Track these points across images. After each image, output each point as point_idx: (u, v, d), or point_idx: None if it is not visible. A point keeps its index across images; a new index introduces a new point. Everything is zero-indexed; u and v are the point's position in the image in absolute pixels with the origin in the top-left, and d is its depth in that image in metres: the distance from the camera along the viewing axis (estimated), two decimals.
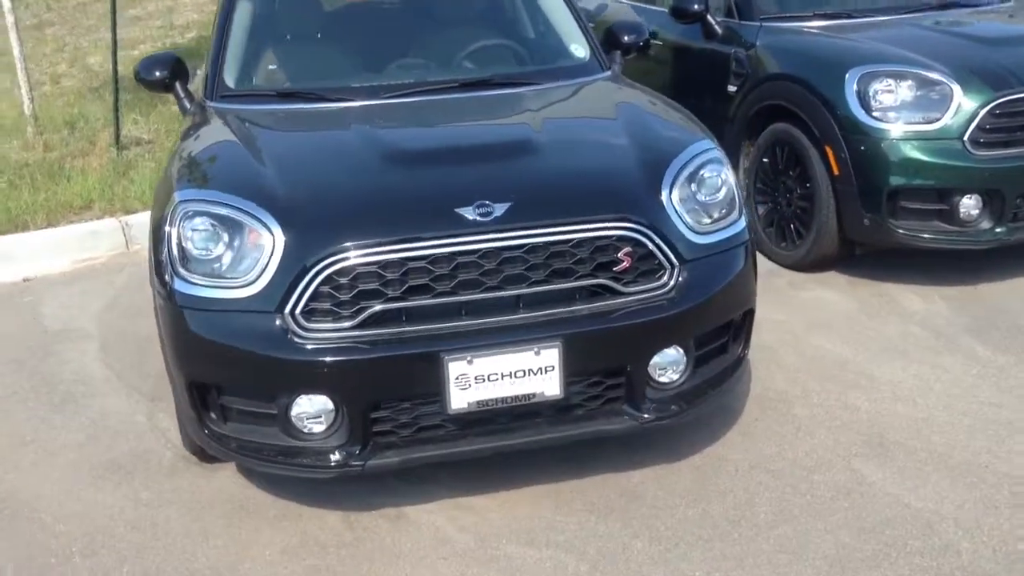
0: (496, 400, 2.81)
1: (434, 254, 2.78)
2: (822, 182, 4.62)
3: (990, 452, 3.25)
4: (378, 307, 2.76)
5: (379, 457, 2.85)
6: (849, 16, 5.24)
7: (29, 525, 3.11)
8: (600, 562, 2.82)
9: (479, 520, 3.03)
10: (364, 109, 3.52)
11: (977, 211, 4.40)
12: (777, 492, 3.10)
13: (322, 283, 2.75)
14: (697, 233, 3.03)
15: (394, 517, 3.07)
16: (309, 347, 2.75)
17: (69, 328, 4.66)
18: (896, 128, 4.37)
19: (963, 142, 4.32)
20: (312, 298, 2.76)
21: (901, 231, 4.44)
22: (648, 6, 6.25)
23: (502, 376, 2.78)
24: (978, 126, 4.30)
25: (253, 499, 3.18)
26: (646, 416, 3.00)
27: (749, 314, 3.22)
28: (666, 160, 3.10)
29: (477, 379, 2.77)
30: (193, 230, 2.87)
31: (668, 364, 3.04)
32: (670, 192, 3.03)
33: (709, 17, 5.41)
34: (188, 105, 3.90)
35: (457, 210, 2.83)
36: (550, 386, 2.83)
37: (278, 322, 2.76)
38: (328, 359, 2.74)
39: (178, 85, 3.94)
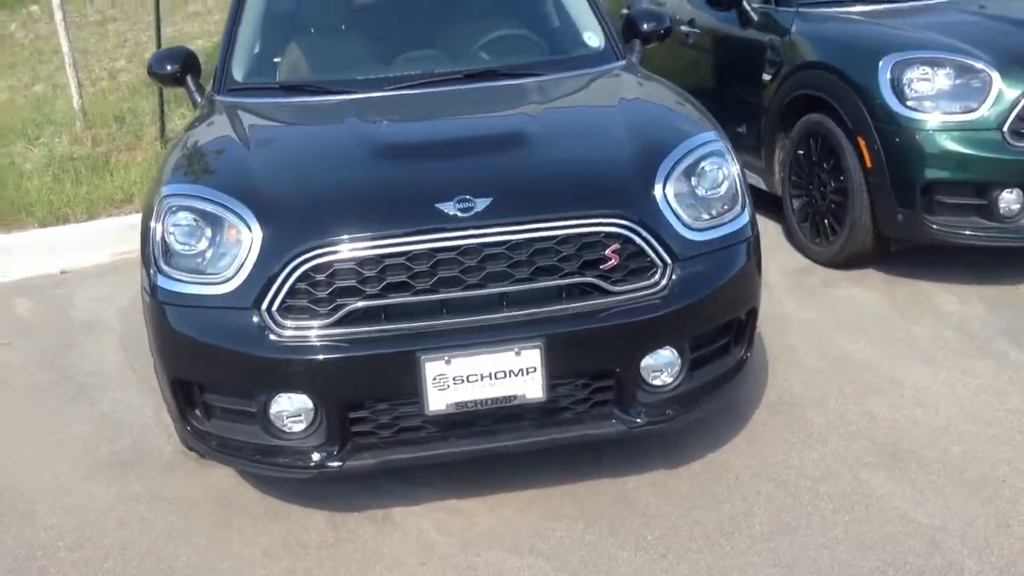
0: (475, 402, 2.72)
1: (412, 251, 2.71)
2: (855, 175, 4.42)
3: (1011, 465, 3.05)
4: (355, 304, 2.70)
5: (357, 458, 2.79)
6: (891, 1, 5.00)
7: (22, 517, 3.13)
8: (581, 572, 2.72)
9: (465, 524, 2.96)
10: (364, 102, 3.47)
11: (1018, 206, 4.16)
12: (777, 502, 2.96)
13: (298, 280, 2.70)
14: (693, 230, 2.90)
15: (380, 519, 3.01)
16: (286, 344, 2.70)
17: (95, 321, 4.72)
18: (931, 118, 4.16)
19: (1003, 133, 4.09)
20: (289, 295, 2.71)
21: (936, 227, 4.23)
22: None
23: (481, 377, 2.70)
24: (1019, 116, 4.07)
25: (243, 498, 3.15)
26: (637, 421, 2.89)
27: (751, 314, 3.07)
28: (662, 153, 2.98)
29: (456, 380, 2.69)
30: (176, 225, 2.85)
31: (662, 366, 2.92)
32: (664, 186, 2.90)
33: (745, 3, 5.23)
34: (199, 99, 3.89)
35: (437, 205, 2.75)
36: (532, 388, 2.73)
37: (255, 319, 2.72)
38: (303, 357, 2.69)
39: (189, 79, 3.94)
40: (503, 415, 2.82)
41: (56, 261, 5.55)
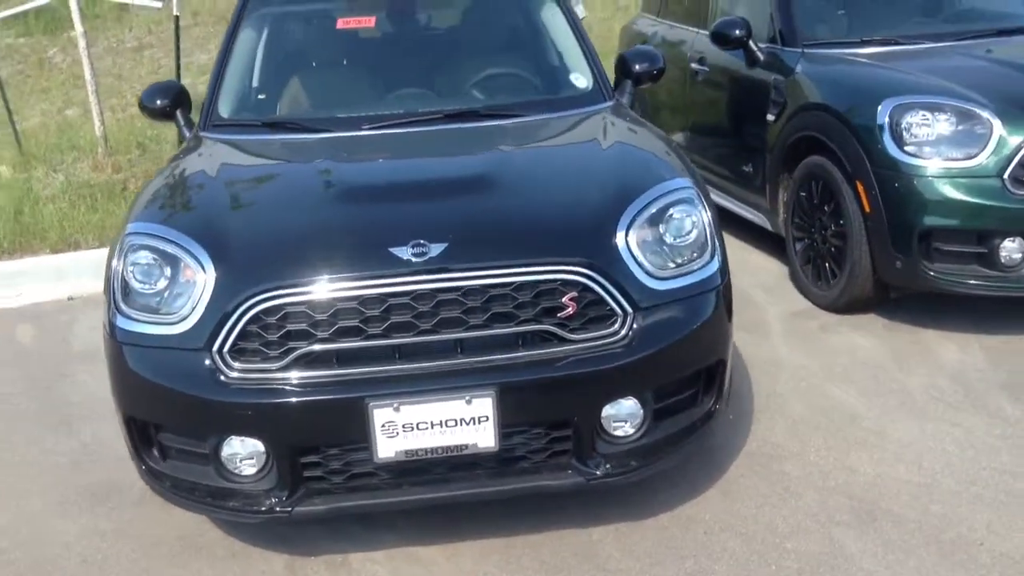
0: (426, 450, 2.68)
1: (364, 295, 2.68)
2: (855, 220, 4.33)
3: (990, 528, 2.94)
4: (306, 348, 2.68)
5: (307, 504, 2.75)
6: (897, 43, 4.91)
7: None
8: None
9: (422, 573, 2.91)
10: (338, 141, 3.46)
11: (1020, 255, 4.04)
12: (741, 559, 2.87)
13: (249, 322, 2.68)
14: (656, 278, 2.84)
15: (337, 564, 2.96)
16: (236, 387, 2.68)
17: (90, 350, 4.72)
18: (930, 164, 4.06)
19: (1003, 180, 3.98)
20: (240, 337, 2.69)
21: (935, 275, 4.12)
22: (700, 31, 6.01)
23: (432, 425, 2.65)
24: (1020, 163, 3.96)
25: (206, 538, 3.13)
26: (596, 472, 2.82)
27: (720, 365, 2.99)
28: (627, 200, 2.92)
29: (405, 427, 2.65)
30: (135, 264, 2.85)
31: (624, 417, 2.85)
32: (627, 234, 2.85)
33: (751, 43, 5.17)
34: (187, 133, 3.91)
35: (391, 250, 2.72)
36: (484, 437, 2.68)
37: (207, 361, 2.70)
38: (253, 400, 2.66)
39: (179, 113, 3.95)
40: (457, 463, 2.77)
41: (64, 287, 5.61)
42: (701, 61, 5.86)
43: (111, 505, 3.34)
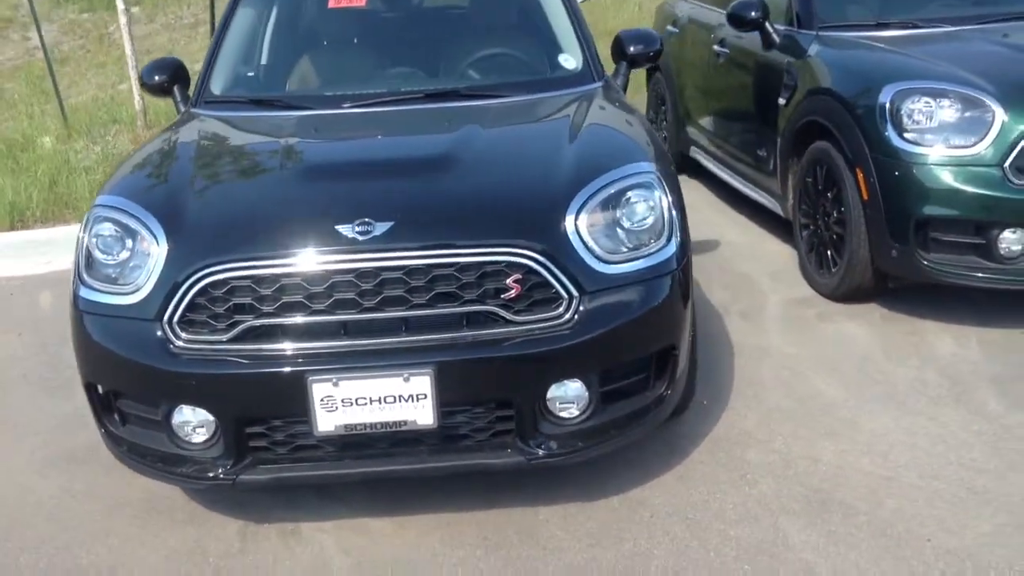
0: (365, 425, 2.72)
1: (308, 271, 2.73)
2: (855, 207, 4.25)
3: (942, 524, 2.88)
4: (251, 322, 2.74)
5: (250, 473, 2.82)
6: (916, 26, 4.78)
7: None
8: None
9: (367, 544, 2.96)
10: (315, 120, 3.51)
11: (1020, 247, 3.92)
12: (681, 544, 2.86)
13: (197, 294, 2.75)
14: (605, 262, 2.83)
15: (288, 532, 3.04)
16: (184, 357, 2.75)
17: None
18: (929, 151, 3.95)
19: (1003, 169, 3.86)
20: (188, 309, 2.76)
21: (931, 265, 4.02)
22: (724, 12, 5.91)
23: (370, 401, 2.70)
24: (1022, 152, 3.83)
25: (169, 501, 3.22)
26: (537, 452, 2.84)
27: (671, 350, 2.98)
28: (581, 183, 2.92)
29: (344, 402, 2.69)
30: (98, 235, 2.94)
31: (571, 398, 2.86)
32: (576, 217, 2.84)
33: (767, 25, 5.08)
34: (183, 108, 4.00)
35: (337, 227, 2.76)
36: (423, 415, 2.72)
37: (158, 332, 2.78)
38: (198, 371, 2.74)
39: (176, 89, 4.05)
40: (400, 439, 2.81)
41: None
42: (722, 43, 5.78)
43: (88, 468, 3.46)
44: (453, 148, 3.12)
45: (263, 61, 4.04)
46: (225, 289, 2.74)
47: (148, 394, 2.86)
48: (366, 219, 2.76)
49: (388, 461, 2.82)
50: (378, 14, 4.20)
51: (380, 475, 2.85)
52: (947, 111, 3.97)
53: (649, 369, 2.97)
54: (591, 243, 2.84)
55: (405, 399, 2.70)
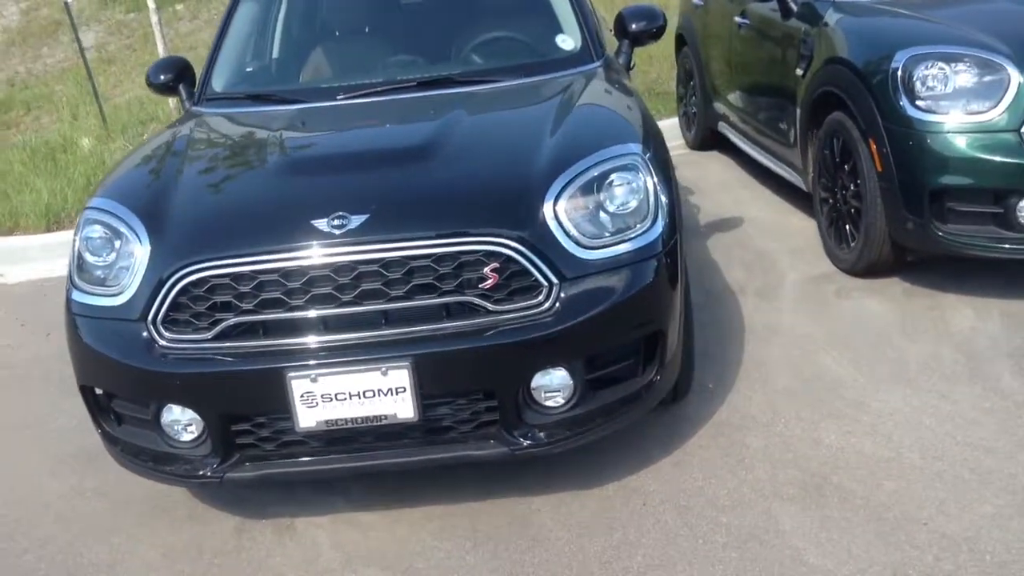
0: (345, 420, 2.72)
1: (286, 267, 2.73)
2: (870, 179, 4.13)
3: (940, 507, 2.79)
4: (232, 320, 2.75)
5: (237, 470, 2.85)
6: None
7: None
8: None
9: (359, 538, 2.97)
10: (305, 113, 3.51)
11: None
12: (671, 532, 2.82)
13: (179, 294, 2.77)
14: (586, 248, 2.79)
15: (283, 528, 3.06)
16: (168, 357, 2.78)
17: None
18: (942, 119, 3.82)
19: (1020, 135, 3.72)
20: (172, 308, 2.79)
21: (948, 237, 3.89)
22: None
23: (350, 396, 2.70)
24: None
25: (171, 500, 3.27)
26: (523, 442, 2.81)
27: (659, 335, 2.92)
28: (561, 168, 2.87)
29: (324, 398, 2.70)
30: (87, 238, 2.98)
31: (557, 387, 2.83)
32: (555, 203, 2.80)
33: None
34: (186, 107, 4.04)
35: (312, 222, 2.76)
36: (403, 408, 2.71)
37: (144, 332, 2.82)
38: (181, 370, 2.76)
39: (182, 88, 4.08)
40: (384, 433, 2.81)
41: None
42: (743, 14, 5.65)
43: (99, 467, 3.51)
44: (434, 137, 3.10)
45: (263, 56, 4.06)
46: (206, 288, 2.76)
47: (137, 394, 2.90)
48: (341, 212, 2.76)
49: (373, 455, 2.83)
50: (373, 4, 4.18)
51: (366, 469, 2.86)
52: (963, 76, 3.82)
53: (637, 355, 2.93)
54: (571, 229, 2.79)
55: (384, 393, 2.69)
